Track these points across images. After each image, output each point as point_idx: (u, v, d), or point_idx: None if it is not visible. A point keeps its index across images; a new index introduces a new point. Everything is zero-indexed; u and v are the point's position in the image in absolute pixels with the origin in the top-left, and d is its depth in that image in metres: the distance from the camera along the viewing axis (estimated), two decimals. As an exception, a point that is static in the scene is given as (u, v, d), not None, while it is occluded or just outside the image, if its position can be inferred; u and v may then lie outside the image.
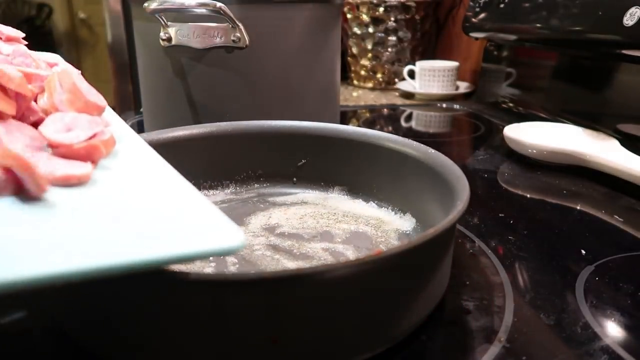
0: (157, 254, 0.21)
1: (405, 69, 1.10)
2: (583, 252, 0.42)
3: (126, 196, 0.26)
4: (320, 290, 0.26)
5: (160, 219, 0.24)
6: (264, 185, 0.51)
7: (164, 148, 0.39)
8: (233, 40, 0.55)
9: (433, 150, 0.42)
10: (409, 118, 0.95)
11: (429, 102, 1.05)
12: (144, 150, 0.33)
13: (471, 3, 0.95)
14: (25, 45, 0.36)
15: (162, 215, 0.25)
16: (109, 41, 1.73)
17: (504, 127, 0.69)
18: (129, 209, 0.24)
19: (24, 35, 0.37)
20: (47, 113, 0.29)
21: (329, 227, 0.43)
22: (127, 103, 1.72)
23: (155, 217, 0.24)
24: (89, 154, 0.27)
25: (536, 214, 0.51)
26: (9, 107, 0.27)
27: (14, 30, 0.37)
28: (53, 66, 0.37)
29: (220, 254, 0.23)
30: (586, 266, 0.39)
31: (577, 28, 0.67)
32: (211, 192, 0.49)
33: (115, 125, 0.36)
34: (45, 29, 2.00)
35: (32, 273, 0.18)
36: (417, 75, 1.08)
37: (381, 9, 1.11)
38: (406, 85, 1.11)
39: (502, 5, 0.86)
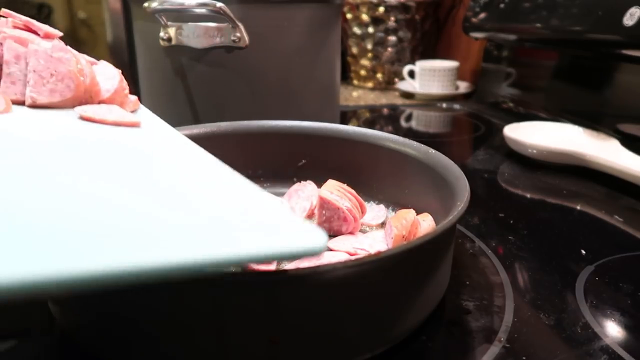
0: (242, 251, 0.18)
1: (405, 69, 1.10)
2: (583, 252, 0.42)
3: (189, 188, 0.23)
4: (320, 290, 0.26)
5: (230, 213, 0.21)
6: (264, 185, 0.51)
7: (164, 148, 0.39)
8: (233, 40, 0.55)
9: (433, 151, 0.42)
10: (409, 118, 0.95)
11: (429, 102, 1.05)
12: (191, 146, 0.30)
13: (471, 3, 0.95)
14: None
15: (230, 209, 0.22)
16: (109, 41, 1.73)
17: (504, 127, 0.69)
18: (195, 200, 0.22)
19: (61, 34, 0.36)
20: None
21: (329, 227, 0.43)
22: (127, 103, 1.71)
23: (224, 210, 0.21)
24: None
25: (536, 214, 0.51)
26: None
27: (51, 28, 0.36)
28: (93, 64, 0.36)
29: (303, 256, 0.20)
30: (586, 266, 0.39)
31: (577, 28, 0.67)
32: (211, 192, 0.49)
33: (154, 124, 0.34)
34: (45, 29, 1.99)
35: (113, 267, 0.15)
36: (417, 75, 1.08)
37: (381, 9, 1.11)
38: (406, 85, 1.11)
39: (502, 5, 0.86)
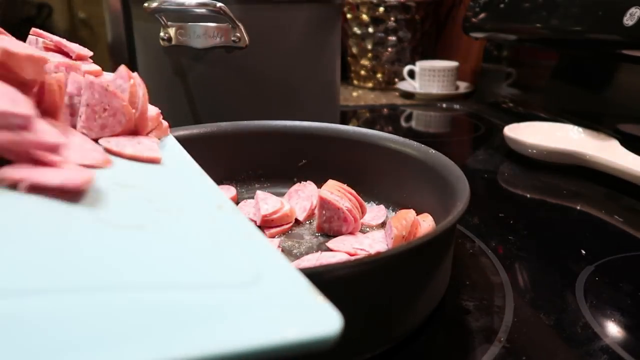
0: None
1: (405, 69, 1.10)
2: (583, 252, 0.42)
3: (192, 256, 0.20)
4: (319, 290, 0.26)
5: (232, 289, 0.18)
6: (264, 185, 0.51)
7: (164, 148, 0.39)
8: (233, 40, 0.55)
9: (433, 151, 0.42)
10: (409, 118, 0.95)
11: (429, 102, 1.05)
12: (209, 187, 0.27)
13: (471, 3, 0.95)
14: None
15: (234, 284, 0.18)
16: (109, 41, 1.73)
17: (504, 127, 0.69)
18: (195, 272, 0.19)
19: (91, 53, 0.34)
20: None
21: (329, 227, 0.43)
22: (127, 103, 1.71)
23: (225, 286, 0.18)
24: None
25: (536, 214, 0.51)
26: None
27: (82, 48, 0.34)
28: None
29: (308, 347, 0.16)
30: (586, 266, 0.39)
31: (577, 28, 0.67)
32: (211, 192, 0.49)
33: (175, 158, 0.31)
34: (45, 29, 1.99)
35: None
36: (417, 75, 1.08)
37: (381, 9, 1.11)
38: (406, 85, 1.11)
39: (502, 5, 0.86)
